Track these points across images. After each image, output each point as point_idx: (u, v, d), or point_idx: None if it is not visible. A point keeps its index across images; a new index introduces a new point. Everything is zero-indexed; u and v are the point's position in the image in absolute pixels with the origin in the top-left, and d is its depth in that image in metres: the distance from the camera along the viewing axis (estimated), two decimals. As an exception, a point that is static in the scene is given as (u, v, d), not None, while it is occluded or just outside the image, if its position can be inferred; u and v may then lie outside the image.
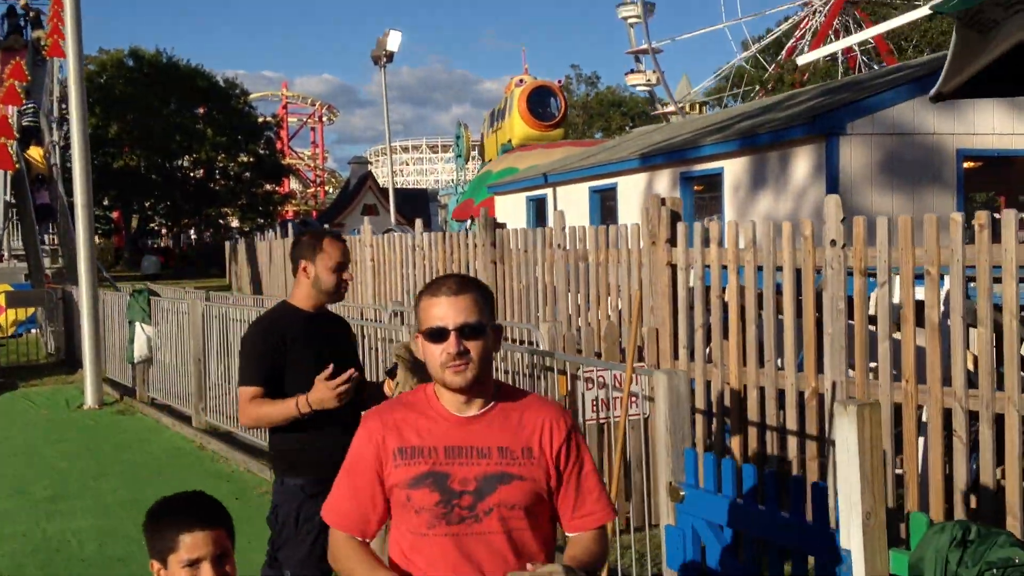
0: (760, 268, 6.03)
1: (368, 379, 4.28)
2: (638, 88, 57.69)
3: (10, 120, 22.91)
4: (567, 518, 2.60)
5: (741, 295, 6.24)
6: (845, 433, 3.25)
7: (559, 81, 45.81)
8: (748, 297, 6.14)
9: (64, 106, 33.56)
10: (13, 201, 24.24)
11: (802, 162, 11.58)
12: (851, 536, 3.25)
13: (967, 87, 4.61)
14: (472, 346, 2.48)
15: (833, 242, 5.55)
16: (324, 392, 3.82)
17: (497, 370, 7.34)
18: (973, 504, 5.19)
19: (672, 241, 6.71)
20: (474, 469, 2.49)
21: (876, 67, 44.94)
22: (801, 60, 37.37)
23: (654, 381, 4.24)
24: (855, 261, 5.49)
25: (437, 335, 2.48)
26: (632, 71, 57.08)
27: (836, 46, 36.03)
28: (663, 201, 6.81)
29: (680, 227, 6.66)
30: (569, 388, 6.05)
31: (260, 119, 56.41)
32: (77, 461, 9.46)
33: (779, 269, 5.96)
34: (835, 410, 3.27)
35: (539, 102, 32.20)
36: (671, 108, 54.33)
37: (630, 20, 55.78)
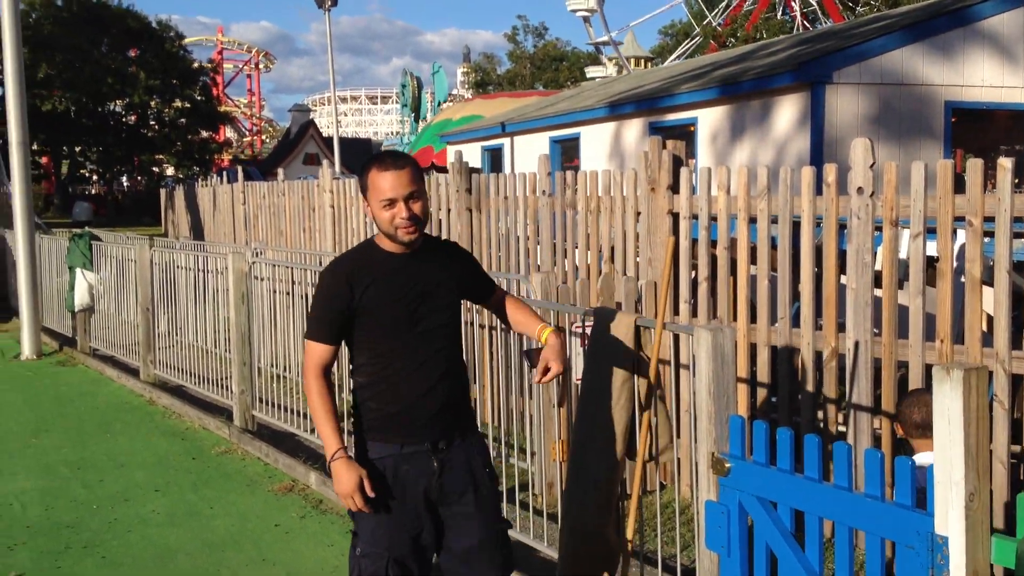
0: (775, 219, 5.60)
1: None
2: (578, 13, 57.04)
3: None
4: None
5: (734, 248, 5.82)
6: (947, 402, 2.81)
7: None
8: (761, 250, 5.71)
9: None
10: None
11: (786, 111, 11.18)
12: (950, 520, 2.84)
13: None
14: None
15: (860, 189, 5.12)
16: (343, 483, 3.32)
17: (475, 324, 6.86)
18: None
19: (674, 188, 6.25)
20: None
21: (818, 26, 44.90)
22: None
23: (695, 339, 3.78)
24: (885, 210, 5.07)
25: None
26: (594, 54, 56.83)
27: None
28: (664, 143, 6.33)
29: (684, 172, 6.19)
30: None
31: (195, 64, 54.67)
32: (15, 416, 8.82)
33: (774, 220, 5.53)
34: (935, 375, 2.83)
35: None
36: (605, 38, 54.28)
37: (580, 14, 55.50)
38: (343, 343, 3.47)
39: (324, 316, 3.41)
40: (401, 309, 3.37)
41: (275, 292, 8.45)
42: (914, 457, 3.49)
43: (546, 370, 3.41)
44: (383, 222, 3.33)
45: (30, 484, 6.79)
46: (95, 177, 57.01)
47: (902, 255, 5.45)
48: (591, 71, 55.83)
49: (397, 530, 3.39)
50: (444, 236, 8.73)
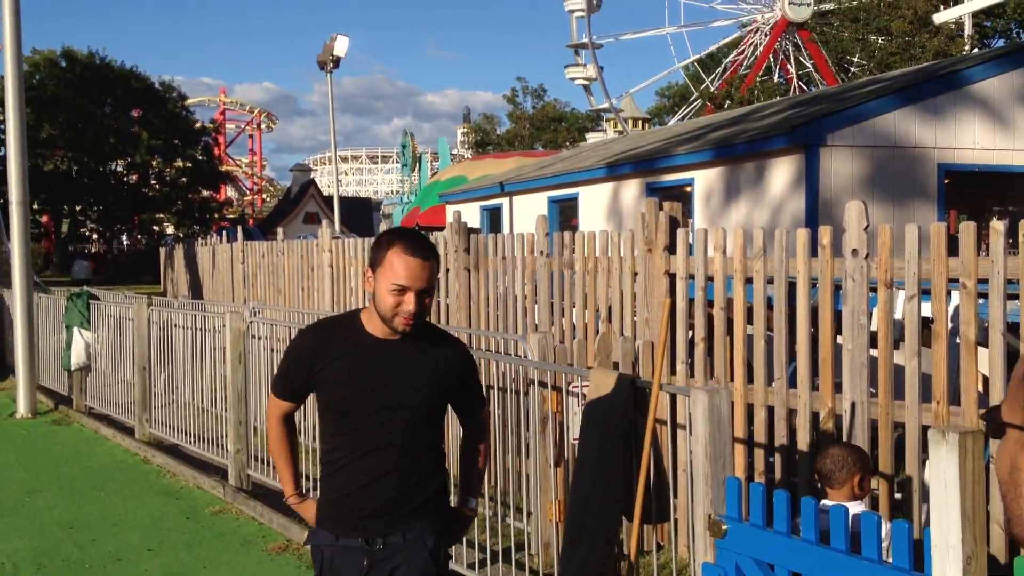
0: (771, 280, 5.63)
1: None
2: (577, 82, 58.12)
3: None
4: None
5: (731, 308, 5.84)
6: (943, 465, 2.82)
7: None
8: (757, 310, 5.74)
9: (-5, 103, 32.45)
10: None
11: (781, 173, 11.29)
12: (948, 583, 2.82)
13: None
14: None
15: (855, 251, 5.16)
16: (310, 520, 3.33)
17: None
18: None
19: (671, 248, 6.29)
20: None
21: (814, 88, 45.45)
22: (938, 18, 36.68)
23: (691, 400, 3.79)
24: (880, 272, 5.11)
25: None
26: (572, 65, 57.71)
27: (972, 6, 34.87)
28: (661, 205, 6.39)
29: (680, 233, 6.24)
30: (559, 405, 5.60)
31: (197, 124, 55.18)
32: (9, 474, 8.76)
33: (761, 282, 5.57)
34: (931, 438, 2.84)
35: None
36: (606, 105, 54.88)
37: (576, 12, 56.38)
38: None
39: (285, 377, 3.29)
40: (360, 393, 3.11)
41: (273, 351, 8.45)
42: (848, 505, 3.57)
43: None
44: (385, 306, 3.05)
45: (23, 543, 6.73)
46: (95, 236, 57.21)
47: (897, 316, 5.47)
48: (592, 137, 56.64)
49: None
50: (443, 296, 8.75)
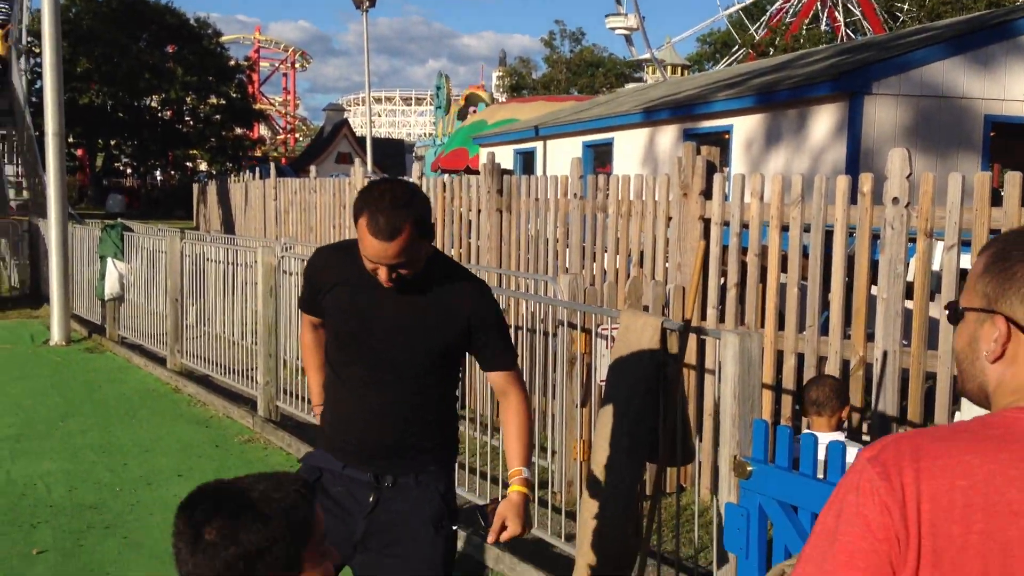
0: (807, 227, 5.56)
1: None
2: (617, 31, 57.24)
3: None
4: None
5: (764, 256, 5.79)
6: (974, 416, 2.78)
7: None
8: (792, 258, 5.67)
9: (32, 38, 32.54)
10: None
11: (823, 121, 11.11)
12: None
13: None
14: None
15: (896, 199, 5.08)
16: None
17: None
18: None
19: (707, 193, 6.23)
20: None
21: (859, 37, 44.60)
22: None
23: (722, 342, 3.76)
24: (920, 221, 5.03)
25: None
26: (613, 14, 56.80)
27: None
28: (699, 149, 6.31)
29: (717, 178, 6.16)
30: (587, 347, 5.59)
31: (232, 62, 55.10)
32: (44, 399, 8.90)
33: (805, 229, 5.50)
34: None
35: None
36: (647, 56, 54.10)
37: (620, 32, 55.49)
38: None
39: (304, 293, 3.16)
40: (357, 325, 2.92)
41: (303, 286, 8.49)
42: (817, 434, 3.58)
43: (502, 528, 2.81)
44: (366, 264, 2.82)
45: (56, 466, 6.85)
46: (129, 170, 57.56)
47: (935, 267, 5.40)
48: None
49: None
50: (474, 237, 8.73)
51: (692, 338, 5.06)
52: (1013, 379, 1.40)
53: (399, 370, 2.91)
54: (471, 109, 34.11)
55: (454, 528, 3.03)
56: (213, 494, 1.65)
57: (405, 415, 2.92)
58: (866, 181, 5.24)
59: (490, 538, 2.82)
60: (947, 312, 1.52)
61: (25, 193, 25.89)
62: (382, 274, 2.77)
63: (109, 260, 11.67)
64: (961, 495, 1.28)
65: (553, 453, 5.86)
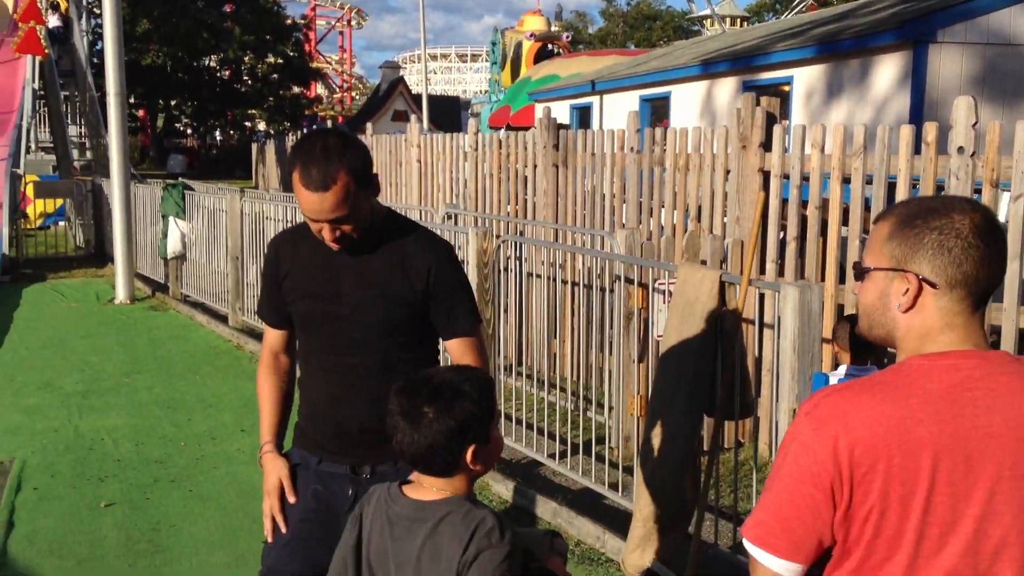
0: (869, 179, 5.44)
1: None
2: None
3: (39, 4, 22.22)
4: None
5: (825, 208, 5.67)
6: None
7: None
8: (854, 210, 5.56)
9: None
10: (42, 92, 23.68)
11: (886, 70, 10.85)
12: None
13: None
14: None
15: (961, 149, 4.95)
16: (265, 480, 2.91)
17: (557, 280, 6.84)
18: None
19: (766, 145, 6.12)
20: None
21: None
22: None
23: (781, 296, 3.71)
24: (985, 171, 4.89)
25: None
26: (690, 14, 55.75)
27: None
28: (758, 100, 6.20)
29: (776, 130, 6.05)
30: (644, 302, 5.56)
31: (288, 20, 55.20)
32: (109, 356, 9.10)
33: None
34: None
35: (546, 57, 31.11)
36: (707, 12, 53.12)
37: None
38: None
39: (263, 293, 2.96)
40: (315, 304, 2.79)
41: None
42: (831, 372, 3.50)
43: None
44: (311, 227, 2.70)
45: (122, 421, 7.01)
46: (189, 131, 58.18)
47: (1001, 218, 5.26)
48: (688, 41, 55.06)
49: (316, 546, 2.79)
50: (530, 193, 8.69)
51: (751, 292, 5.01)
52: (921, 325, 1.67)
53: (364, 348, 2.75)
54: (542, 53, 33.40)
55: None
56: (427, 382, 2.09)
57: (375, 396, 2.65)
58: (930, 130, 5.11)
59: None
60: (854, 271, 1.78)
61: (88, 154, 26.33)
62: (326, 234, 2.63)
63: (171, 219, 11.84)
64: (880, 440, 1.56)
65: (610, 409, 5.86)
